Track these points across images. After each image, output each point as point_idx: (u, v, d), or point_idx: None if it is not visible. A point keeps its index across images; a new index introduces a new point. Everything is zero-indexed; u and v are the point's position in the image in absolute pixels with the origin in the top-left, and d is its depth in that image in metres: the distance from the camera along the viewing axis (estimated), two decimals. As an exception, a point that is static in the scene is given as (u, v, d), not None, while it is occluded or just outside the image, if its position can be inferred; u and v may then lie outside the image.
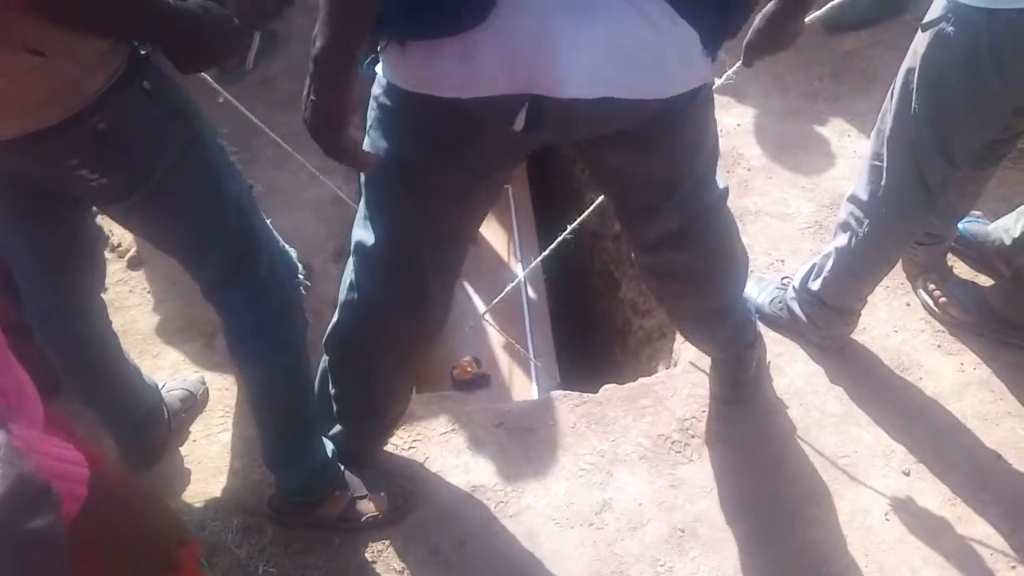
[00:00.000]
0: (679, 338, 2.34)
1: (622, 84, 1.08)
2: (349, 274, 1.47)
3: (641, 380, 2.15)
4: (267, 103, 2.71)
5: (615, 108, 1.10)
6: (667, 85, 1.13)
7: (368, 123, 1.28)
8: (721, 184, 1.49)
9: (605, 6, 1.02)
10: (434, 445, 1.95)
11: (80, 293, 1.56)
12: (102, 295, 1.65)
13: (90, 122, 1.12)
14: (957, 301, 2.16)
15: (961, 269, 2.36)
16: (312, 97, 1.05)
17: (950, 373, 2.11)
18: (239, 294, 1.46)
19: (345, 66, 1.03)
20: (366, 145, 1.27)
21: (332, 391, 1.69)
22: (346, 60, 1.03)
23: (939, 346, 2.18)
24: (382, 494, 1.77)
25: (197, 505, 1.80)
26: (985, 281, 2.31)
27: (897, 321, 2.24)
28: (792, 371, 2.10)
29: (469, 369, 2.60)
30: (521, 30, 1.01)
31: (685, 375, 2.13)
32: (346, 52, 1.02)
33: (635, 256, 1.62)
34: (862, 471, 1.91)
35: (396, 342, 1.53)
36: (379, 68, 1.21)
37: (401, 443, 1.96)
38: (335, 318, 1.55)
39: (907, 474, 1.90)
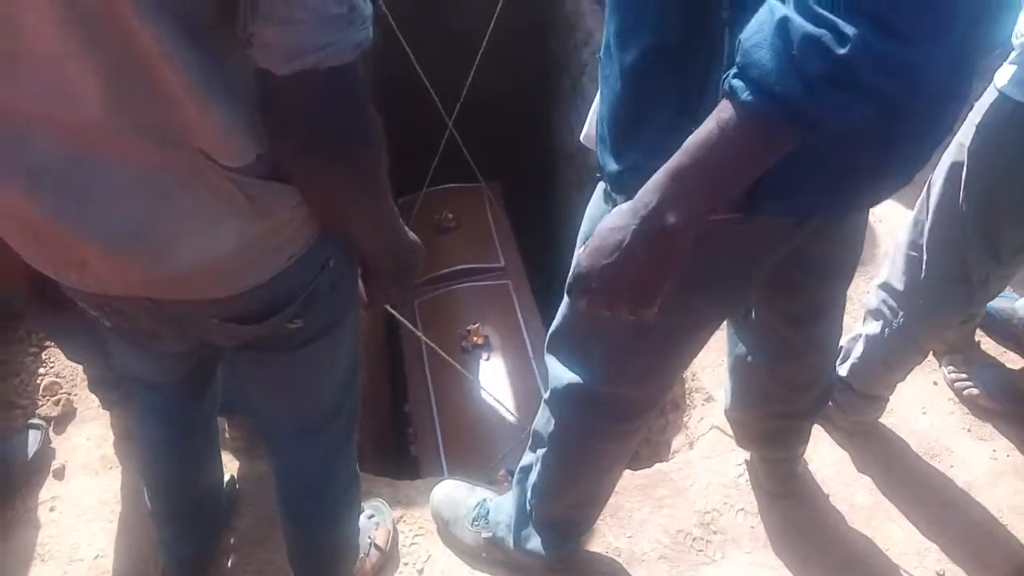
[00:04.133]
0: (696, 415, 2.23)
1: None
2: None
3: (658, 466, 2.03)
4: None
5: None
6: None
7: None
8: None
9: None
10: (438, 542, 1.82)
11: (197, 419, 1.47)
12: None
13: (322, 259, 0.99)
14: (985, 389, 2.06)
15: (988, 344, 2.26)
16: (629, 266, 0.87)
17: (982, 461, 2.00)
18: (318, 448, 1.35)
19: (692, 242, 0.85)
20: None
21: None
22: (691, 237, 0.84)
23: (969, 430, 2.07)
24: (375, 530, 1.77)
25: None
26: (1012, 358, 2.22)
27: (925, 401, 2.13)
28: (818, 458, 1.99)
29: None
30: None
31: (703, 461, 2.01)
32: (696, 227, 0.84)
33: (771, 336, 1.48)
34: (894, 571, 1.79)
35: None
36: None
37: (402, 538, 1.83)
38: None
39: (942, 576, 1.79)
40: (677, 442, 2.29)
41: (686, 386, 2.32)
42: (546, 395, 1.42)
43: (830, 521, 1.88)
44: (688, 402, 2.31)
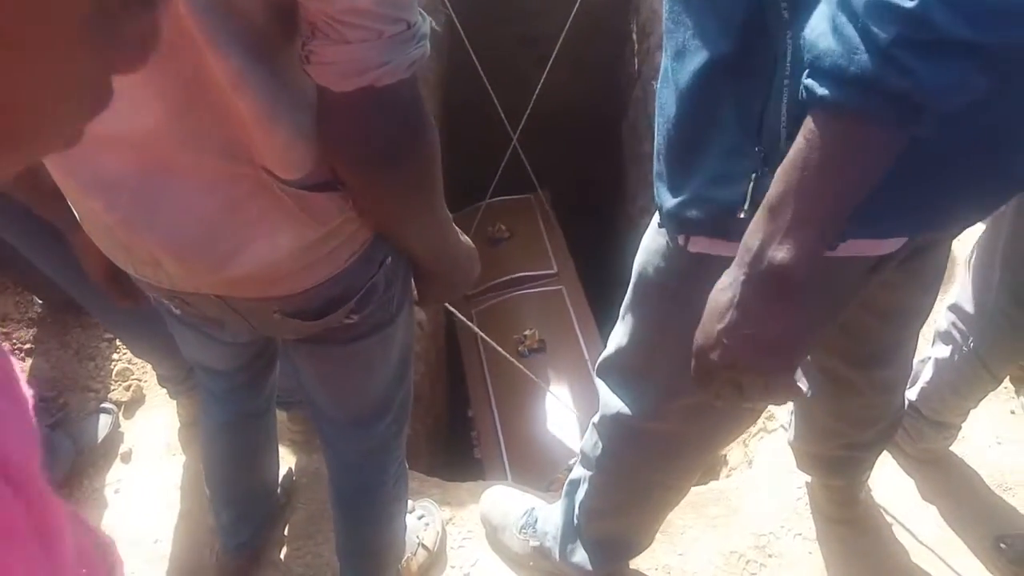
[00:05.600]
0: (756, 433, 2.18)
1: None
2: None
3: (713, 484, 1.99)
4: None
5: None
6: None
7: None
8: None
9: None
10: (486, 546, 1.82)
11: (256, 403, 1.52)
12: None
13: (379, 256, 1.01)
14: (1069, 418, 1.95)
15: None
16: (747, 331, 0.76)
17: (1060, 497, 1.90)
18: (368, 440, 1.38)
19: (807, 282, 0.73)
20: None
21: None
22: (807, 275, 0.72)
23: (1047, 463, 1.97)
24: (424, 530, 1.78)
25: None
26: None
27: (1000, 431, 2.03)
28: (882, 484, 1.91)
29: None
30: None
31: (761, 481, 1.96)
32: (820, 255, 0.72)
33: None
34: (960, 607, 1.72)
35: None
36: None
37: (451, 540, 1.84)
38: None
39: (1012, 619, 1.70)
40: (734, 459, 2.25)
41: (747, 402, 2.26)
42: (595, 419, 1.40)
43: (892, 551, 1.80)
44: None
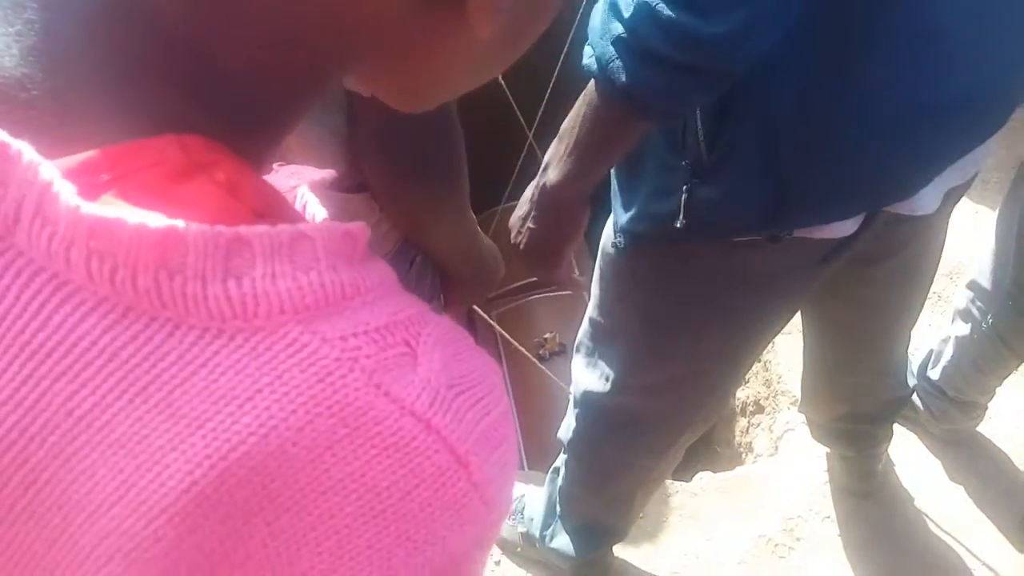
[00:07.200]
0: (781, 419, 2.19)
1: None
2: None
3: (739, 469, 2.01)
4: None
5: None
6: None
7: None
8: None
9: None
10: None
11: None
12: None
13: (410, 255, 1.03)
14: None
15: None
16: (530, 225, 0.97)
17: (1091, 475, 1.89)
18: None
19: (578, 206, 0.92)
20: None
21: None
22: (583, 199, 0.91)
23: (1078, 442, 1.96)
24: None
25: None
26: None
27: (1028, 410, 2.03)
28: (909, 465, 1.92)
29: None
30: None
31: (788, 466, 1.97)
32: (585, 191, 0.90)
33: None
34: (994, 587, 1.72)
35: None
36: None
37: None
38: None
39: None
40: (760, 445, 2.25)
41: (771, 388, 2.28)
42: (570, 402, 1.43)
43: (919, 532, 1.81)
44: (773, 405, 2.27)
